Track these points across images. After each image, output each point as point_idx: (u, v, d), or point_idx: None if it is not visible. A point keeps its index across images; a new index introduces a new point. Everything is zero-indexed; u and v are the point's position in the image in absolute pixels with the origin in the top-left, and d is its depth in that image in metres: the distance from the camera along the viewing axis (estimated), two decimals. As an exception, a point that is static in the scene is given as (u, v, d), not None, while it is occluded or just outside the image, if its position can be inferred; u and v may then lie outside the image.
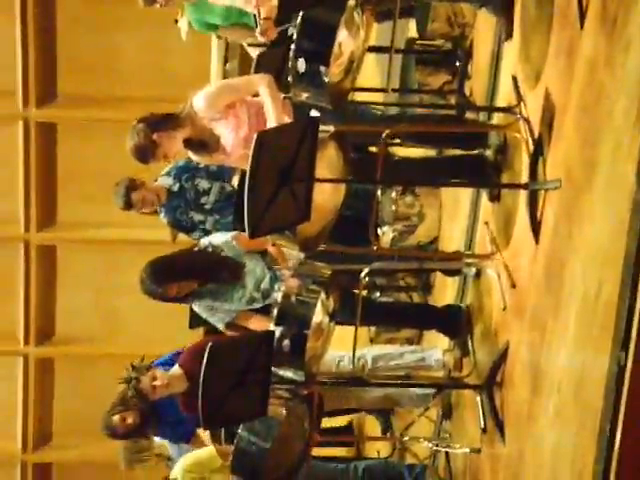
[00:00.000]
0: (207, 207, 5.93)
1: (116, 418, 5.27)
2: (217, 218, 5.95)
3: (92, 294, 9.88)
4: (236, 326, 5.43)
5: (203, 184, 5.91)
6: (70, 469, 10.32)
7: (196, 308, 5.42)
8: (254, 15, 5.52)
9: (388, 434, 6.71)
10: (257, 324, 5.27)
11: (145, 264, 5.18)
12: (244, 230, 4.03)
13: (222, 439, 5.69)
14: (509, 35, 5.02)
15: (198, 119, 5.00)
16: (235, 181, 5.85)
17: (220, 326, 5.43)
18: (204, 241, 5.43)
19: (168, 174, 5.97)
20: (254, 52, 5.83)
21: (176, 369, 5.20)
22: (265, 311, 5.30)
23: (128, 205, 5.90)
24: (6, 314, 9.80)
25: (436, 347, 5.73)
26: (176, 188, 5.92)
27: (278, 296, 4.45)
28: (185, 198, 5.92)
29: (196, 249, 5.42)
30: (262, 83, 4.97)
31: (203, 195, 5.91)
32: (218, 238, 5.41)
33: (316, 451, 5.08)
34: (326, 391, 5.22)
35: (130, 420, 5.25)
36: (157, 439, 6.05)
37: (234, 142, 4.99)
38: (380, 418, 6.86)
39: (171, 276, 5.13)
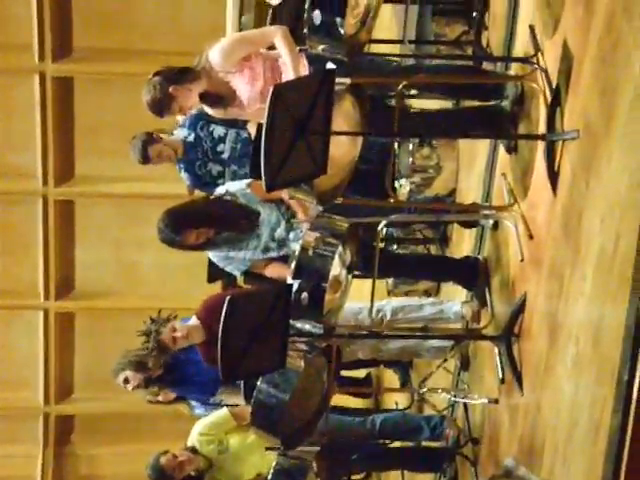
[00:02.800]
0: (224, 156, 5.93)
1: (128, 374, 5.43)
2: (234, 169, 5.95)
3: (111, 248, 9.93)
4: (253, 274, 5.47)
5: (218, 130, 5.90)
6: (92, 421, 10.43)
7: (212, 257, 5.46)
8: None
9: (407, 386, 6.74)
10: (274, 270, 5.30)
11: (162, 213, 5.21)
12: (260, 179, 4.03)
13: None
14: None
15: (214, 72, 4.99)
16: (250, 127, 5.82)
17: (236, 274, 5.46)
18: (220, 189, 5.46)
19: (183, 125, 5.96)
20: (274, 1, 5.81)
21: (194, 320, 5.26)
22: (281, 259, 5.33)
23: (145, 159, 5.91)
24: (26, 269, 9.86)
25: (454, 299, 5.74)
26: (192, 138, 5.92)
27: (296, 248, 4.45)
28: (202, 147, 5.91)
29: (212, 197, 5.44)
30: (278, 35, 4.95)
31: (219, 142, 5.91)
32: (234, 186, 5.43)
33: (335, 400, 5.11)
34: (344, 343, 5.25)
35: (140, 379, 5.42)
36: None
37: (250, 95, 4.99)
38: (398, 371, 6.89)
39: (188, 223, 5.17)
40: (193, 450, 5.55)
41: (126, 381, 5.59)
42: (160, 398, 5.94)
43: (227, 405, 5.76)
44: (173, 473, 5.49)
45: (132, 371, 5.57)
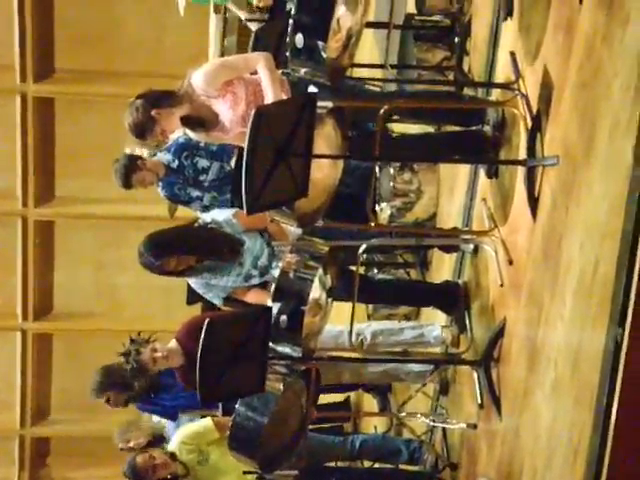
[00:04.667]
0: (205, 184, 5.94)
1: (109, 394, 5.37)
2: (215, 195, 5.95)
3: (90, 270, 9.90)
4: (233, 301, 5.45)
5: (202, 163, 5.91)
6: (68, 443, 10.36)
7: (192, 284, 5.43)
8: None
9: (385, 411, 6.73)
10: (254, 297, 5.29)
11: (144, 237, 5.19)
12: (242, 206, 4.03)
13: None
14: (508, 15, 4.99)
15: (196, 96, 4.99)
16: (234, 162, 5.85)
17: (217, 302, 5.44)
18: (206, 217, 5.43)
19: (168, 150, 5.96)
20: (254, 27, 5.83)
21: (173, 343, 5.24)
22: (262, 287, 5.32)
23: (128, 186, 5.91)
24: (4, 290, 9.82)
25: (434, 323, 5.74)
26: (175, 165, 5.91)
27: (276, 273, 4.45)
28: (183, 174, 5.92)
29: (196, 224, 5.42)
30: (260, 61, 4.96)
31: (202, 173, 5.91)
32: (219, 215, 5.41)
33: (313, 424, 5.10)
34: (324, 366, 5.24)
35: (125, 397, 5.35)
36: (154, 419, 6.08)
37: (232, 119, 4.99)
38: (377, 396, 6.88)
39: (170, 249, 5.14)
40: (172, 456, 5.51)
41: (108, 401, 5.54)
42: (132, 444, 5.90)
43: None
44: (146, 474, 5.43)
45: (116, 392, 5.53)
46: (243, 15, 6.43)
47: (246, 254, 5.27)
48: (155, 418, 6.20)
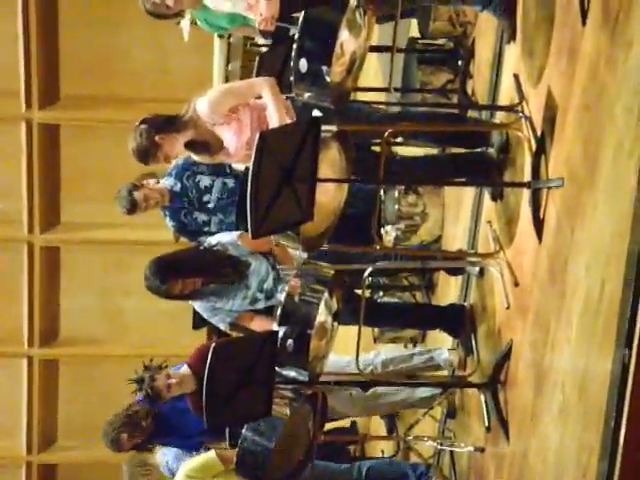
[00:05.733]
0: (210, 206, 5.92)
1: (124, 437, 5.34)
2: (221, 218, 5.94)
3: (96, 295, 9.90)
4: (239, 326, 5.44)
5: (205, 181, 5.89)
6: (75, 470, 10.33)
7: (198, 308, 5.42)
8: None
9: (393, 434, 6.71)
10: (259, 325, 5.27)
11: (150, 260, 5.18)
12: (247, 230, 4.04)
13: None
14: (512, 38, 5.01)
15: (201, 123, 4.99)
16: (236, 165, 5.81)
17: (222, 326, 5.43)
18: (211, 239, 5.43)
19: (169, 175, 5.96)
20: (259, 51, 5.84)
21: (185, 369, 5.23)
22: (267, 312, 5.31)
23: (132, 206, 5.83)
24: (10, 316, 9.81)
25: (442, 346, 5.73)
26: (178, 188, 5.91)
27: (281, 297, 4.45)
28: (188, 197, 5.91)
29: (201, 247, 5.42)
30: (265, 86, 4.97)
31: (205, 193, 5.90)
32: (225, 237, 5.41)
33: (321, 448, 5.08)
34: (334, 401, 5.22)
35: (137, 440, 5.33)
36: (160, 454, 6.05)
37: (237, 145, 5.00)
38: (385, 417, 6.85)
39: (175, 273, 5.13)
40: None
41: (131, 439, 5.51)
42: None
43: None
44: None
45: (128, 432, 5.51)
46: (257, 39, 6.45)
47: (252, 276, 5.26)
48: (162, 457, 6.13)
